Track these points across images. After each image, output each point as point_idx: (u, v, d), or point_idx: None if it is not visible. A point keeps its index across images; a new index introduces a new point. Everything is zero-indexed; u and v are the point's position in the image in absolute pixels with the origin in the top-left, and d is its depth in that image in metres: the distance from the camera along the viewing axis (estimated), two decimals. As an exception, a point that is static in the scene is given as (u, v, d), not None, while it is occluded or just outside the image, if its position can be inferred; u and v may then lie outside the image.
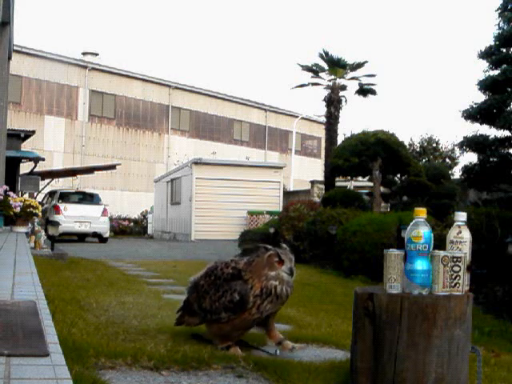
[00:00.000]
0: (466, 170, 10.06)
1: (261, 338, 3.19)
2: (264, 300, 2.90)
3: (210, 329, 3.09)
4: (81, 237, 19.01)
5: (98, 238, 18.68)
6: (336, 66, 15.93)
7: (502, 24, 9.67)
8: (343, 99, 16.00)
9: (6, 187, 10.07)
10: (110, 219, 21.39)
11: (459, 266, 2.34)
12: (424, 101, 73.06)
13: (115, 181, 30.48)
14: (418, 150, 28.99)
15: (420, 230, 2.33)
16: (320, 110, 18.81)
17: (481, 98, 9.86)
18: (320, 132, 30.61)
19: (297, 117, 35.21)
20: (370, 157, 11.55)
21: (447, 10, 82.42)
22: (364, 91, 16.16)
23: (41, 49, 28.41)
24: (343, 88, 16.13)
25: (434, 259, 2.34)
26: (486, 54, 9.74)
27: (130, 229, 26.92)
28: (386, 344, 2.35)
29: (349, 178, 16.76)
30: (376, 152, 11.49)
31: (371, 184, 12.59)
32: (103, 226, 18.59)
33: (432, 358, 2.30)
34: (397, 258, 2.41)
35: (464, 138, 10.08)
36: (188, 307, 3.19)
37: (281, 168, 22.86)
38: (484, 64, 9.88)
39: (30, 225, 10.45)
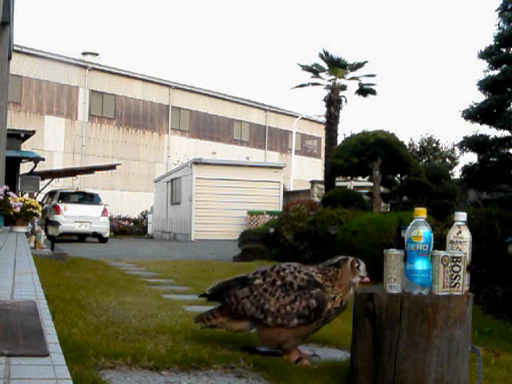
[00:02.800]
0: (466, 169, 10.05)
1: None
2: (336, 312, 2.87)
3: (266, 335, 2.90)
4: (81, 237, 19.01)
5: (98, 238, 18.68)
6: (336, 66, 15.92)
7: (502, 24, 9.65)
8: (343, 99, 15.99)
9: (6, 187, 10.07)
10: (110, 219, 21.40)
11: (459, 266, 2.34)
12: (424, 101, 73.10)
13: (115, 181, 30.48)
14: (418, 150, 28.99)
15: (420, 229, 2.33)
16: (320, 110, 18.82)
17: (481, 98, 9.85)
18: (320, 132, 30.62)
19: (297, 117, 35.21)
20: (370, 157, 11.55)
21: (447, 9, 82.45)
22: (364, 91, 16.16)
23: (41, 49, 28.42)
24: (343, 88, 16.12)
25: (434, 259, 2.34)
26: (486, 54, 9.73)
27: (130, 229, 26.92)
28: (386, 344, 2.35)
29: (349, 178, 16.76)
30: (376, 152, 11.49)
31: (371, 184, 12.59)
32: (103, 226, 18.59)
33: (432, 358, 2.30)
34: (397, 257, 2.41)
35: (464, 138, 10.07)
36: (233, 308, 2.94)
37: (281, 168, 22.86)
38: (484, 64, 9.87)
39: (29, 225, 10.45)
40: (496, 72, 9.66)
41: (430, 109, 74.71)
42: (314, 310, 2.79)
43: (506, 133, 9.66)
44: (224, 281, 3.09)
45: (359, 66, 16.22)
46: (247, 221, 20.70)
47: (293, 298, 2.81)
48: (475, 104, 9.73)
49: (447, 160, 28.56)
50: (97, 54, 32.48)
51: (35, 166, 17.34)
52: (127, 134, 31.91)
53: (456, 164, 27.82)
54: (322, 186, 17.20)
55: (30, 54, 27.87)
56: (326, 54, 15.98)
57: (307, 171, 35.44)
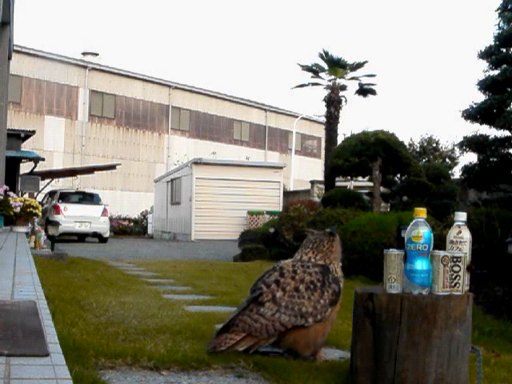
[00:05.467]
0: (466, 169, 10.05)
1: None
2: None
3: (311, 336, 2.91)
4: (81, 237, 19.00)
5: (98, 238, 18.68)
6: (336, 66, 15.92)
7: (502, 24, 9.66)
8: (343, 99, 15.98)
9: (6, 187, 10.08)
10: (110, 219, 21.39)
11: (459, 266, 2.34)
12: (424, 101, 73.11)
13: (115, 181, 30.48)
14: (417, 150, 28.98)
15: (420, 229, 2.33)
16: (320, 110, 18.82)
17: (481, 98, 9.85)
18: (320, 132, 30.61)
19: (297, 117, 35.21)
20: (369, 157, 11.54)
21: (447, 9, 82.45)
22: (364, 91, 16.15)
23: (41, 49, 28.43)
24: (343, 88, 16.12)
25: (434, 259, 2.34)
26: (486, 54, 9.73)
27: (129, 229, 26.91)
28: (386, 344, 2.35)
29: (349, 177, 16.76)
30: (376, 152, 11.48)
31: (371, 184, 12.58)
32: (103, 226, 18.58)
33: (432, 358, 2.30)
34: (397, 257, 2.41)
35: (464, 138, 10.07)
36: (269, 328, 2.87)
37: (281, 168, 22.86)
38: (484, 64, 9.88)
39: (29, 225, 10.46)
40: (496, 72, 9.66)
41: (430, 109, 74.76)
42: (338, 292, 2.92)
43: (506, 133, 9.67)
44: (237, 308, 3.05)
45: (359, 65, 16.22)
46: (247, 221, 20.70)
47: (320, 291, 2.90)
48: (475, 104, 9.73)
49: (447, 160, 28.55)
50: (97, 54, 32.47)
51: (35, 166, 17.34)
52: (127, 134, 31.90)
53: (456, 164, 27.81)
54: (322, 186, 17.20)
55: (30, 54, 27.86)
56: (326, 54, 15.97)
57: (307, 171, 35.43)
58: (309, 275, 2.91)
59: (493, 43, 9.69)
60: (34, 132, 18.43)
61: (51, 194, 19.99)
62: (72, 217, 17.81)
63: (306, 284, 2.90)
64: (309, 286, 2.89)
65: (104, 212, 18.76)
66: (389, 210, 13.52)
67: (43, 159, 17.38)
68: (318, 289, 2.89)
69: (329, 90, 15.99)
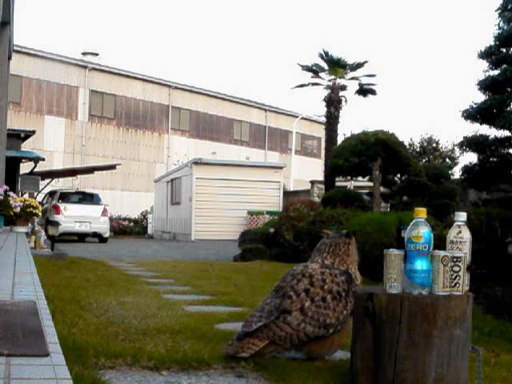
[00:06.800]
0: (466, 169, 10.05)
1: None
2: None
3: (326, 345, 2.91)
4: (81, 237, 19.00)
5: (98, 238, 18.67)
6: (336, 66, 15.93)
7: (502, 24, 9.66)
8: (343, 99, 16.00)
9: (6, 187, 10.09)
10: (110, 219, 21.38)
11: (459, 266, 2.34)
12: (424, 101, 73.10)
13: (115, 181, 30.47)
14: (417, 150, 28.98)
15: (420, 229, 2.33)
16: (320, 110, 18.83)
17: (481, 98, 9.85)
18: (320, 132, 30.59)
19: (297, 117, 35.21)
20: (370, 157, 11.55)
21: (447, 9, 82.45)
22: (364, 91, 16.16)
23: (41, 49, 28.41)
24: (343, 88, 16.13)
25: (434, 259, 2.34)
26: (486, 54, 9.73)
27: (130, 229, 26.90)
28: (386, 344, 2.35)
29: (349, 177, 16.77)
30: (376, 152, 11.48)
31: (371, 184, 12.58)
32: (103, 226, 18.58)
33: (432, 358, 2.30)
34: (397, 257, 2.41)
35: (464, 138, 10.07)
36: (293, 338, 2.83)
37: (281, 168, 22.86)
38: (484, 64, 9.87)
39: (29, 225, 10.46)
40: (496, 72, 9.65)
41: (430, 109, 74.75)
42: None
43: (506, 133, 9.66)
44: (262, 312, 2.94)
45: (359, 65, 16.23)
46: (247, 221, 20.70)
47: (344, 302, 2.89)
48: (475, 104, 9.72)
49: (447, 160, 28.54)
50: (97, 54, 32.46)
51: (35, 166, 17.34)
52: (127, 134, 31.90)
53: (456, 164, 27.80)
54: (322, 186, 17.20)
55: (30, 53, 27.85)
56: (326, 54, 15.98)
57: (307, 171, 35.41)
58: (336, 285, 2.88)
59: (493, 43, 9.69)
60: (33, 132, 18.42)
61: (51, 193, 19.99)
62: (72, 217, 17.81)
63: (332, 294, 2.87)
64: (335, 297, 2.87)
65: (104, 212, 18.76)
66: (389, 209, 13.52)
67: (43, 159, 17.37)
68: (343, 299, 2.87)
69: (329, 90, 16.00)
